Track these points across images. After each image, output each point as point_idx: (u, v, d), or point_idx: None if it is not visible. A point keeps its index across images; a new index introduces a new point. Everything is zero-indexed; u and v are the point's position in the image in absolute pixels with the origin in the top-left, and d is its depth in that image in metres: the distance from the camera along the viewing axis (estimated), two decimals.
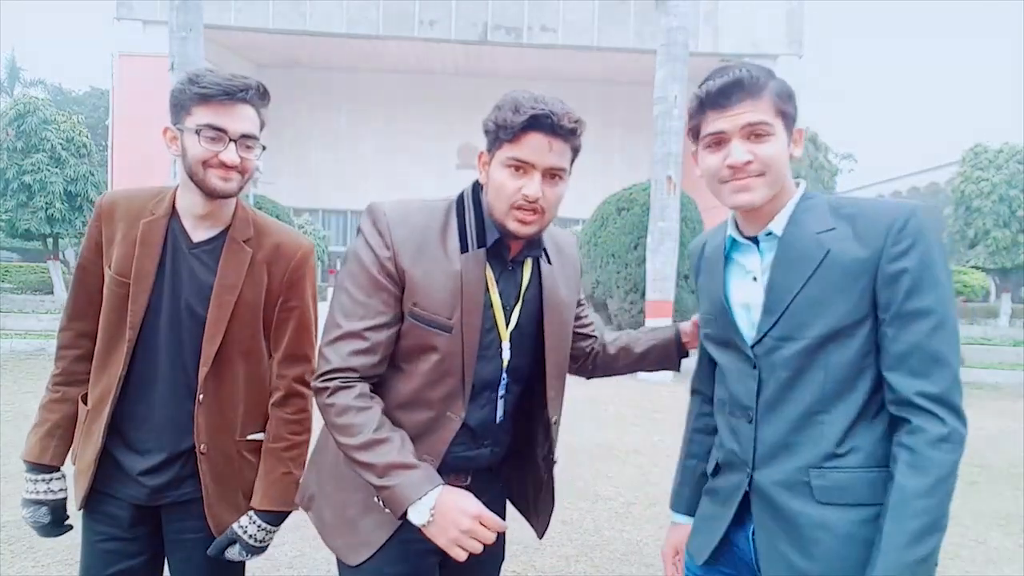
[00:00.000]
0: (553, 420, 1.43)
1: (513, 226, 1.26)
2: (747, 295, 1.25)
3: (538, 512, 1.53)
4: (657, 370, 1.66)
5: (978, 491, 4.58)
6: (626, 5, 20.67)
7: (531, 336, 1.39)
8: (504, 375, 1.36)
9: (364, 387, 1.25)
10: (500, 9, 20.62)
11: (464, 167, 24.24)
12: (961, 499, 4.48)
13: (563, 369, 1.47)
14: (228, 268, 1.49)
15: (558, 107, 1.22)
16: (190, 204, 1.49)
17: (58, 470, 1.54)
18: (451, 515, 1.15)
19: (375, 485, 1.18)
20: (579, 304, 1.58)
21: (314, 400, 1.31)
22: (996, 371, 10.66)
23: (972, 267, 18.73)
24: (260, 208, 11.81)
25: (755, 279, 1.25)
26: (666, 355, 1.64)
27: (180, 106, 1.45)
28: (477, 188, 1.35)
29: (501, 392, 1.36)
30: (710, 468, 1.39)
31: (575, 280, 1.50)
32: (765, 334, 1.20)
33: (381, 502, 1.22)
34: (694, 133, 1.25)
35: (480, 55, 22.23)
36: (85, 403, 1.53)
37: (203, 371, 1.46)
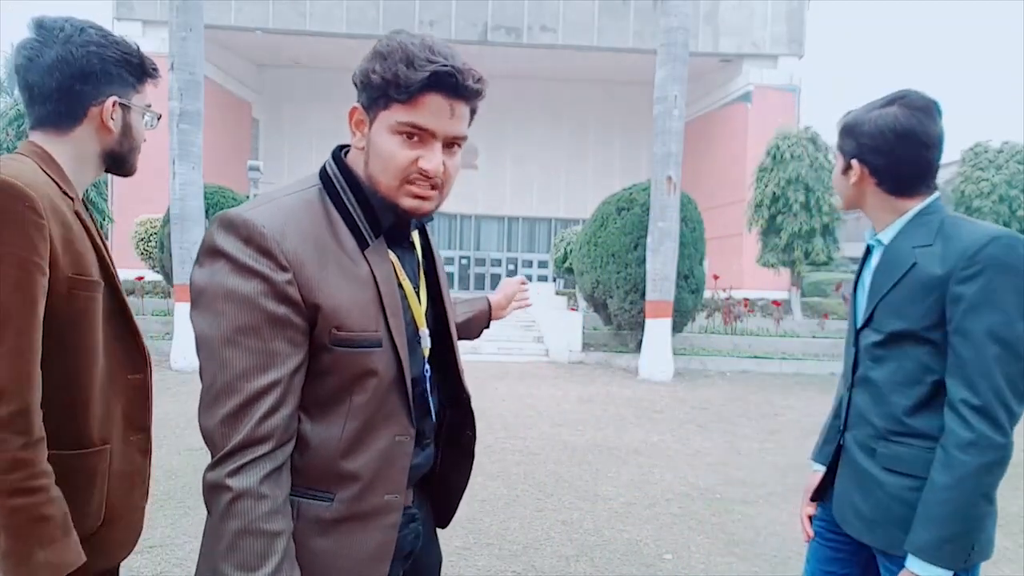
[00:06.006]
0: (470, 395, 1.27)
1: (408, 203, 1.04)
2: (867, 287, 1.51)
3: (441, 498, 1.32)
4: (464, 338, 1.55)
5: None
6: (626, 5, 20.67)
7: (435, 312, 1.22)
8: (426, 365, 1.16)
9: (278, 461, 0.98)
10: (500, 9, 20.64)
11: (465, 167, 24.21)
12: None
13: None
14: (108, 251, 1.35)
15: (459, 61, 1.00)
16: (84, 182, 1.29)
17: None
18: None
19: None
20: None
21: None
22: None
23: None
24: None
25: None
26: (477, 325, 1.62)
27: (125, 79, 1.29)
28: (341, 161, 1.10)
29: (427, 385, 1.17)
30: None
31: None
32: (865, 323, 1.47)
33: None
34: None
35: (480, 55, 22.23)
36: (69, 449, 1.17)
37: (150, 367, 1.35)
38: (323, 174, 1.09)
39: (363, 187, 1.07)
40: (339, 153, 1.11)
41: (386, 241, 1.10)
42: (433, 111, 1.00)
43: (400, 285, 1.11)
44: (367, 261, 1.05)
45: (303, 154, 25.42)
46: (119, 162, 1.32)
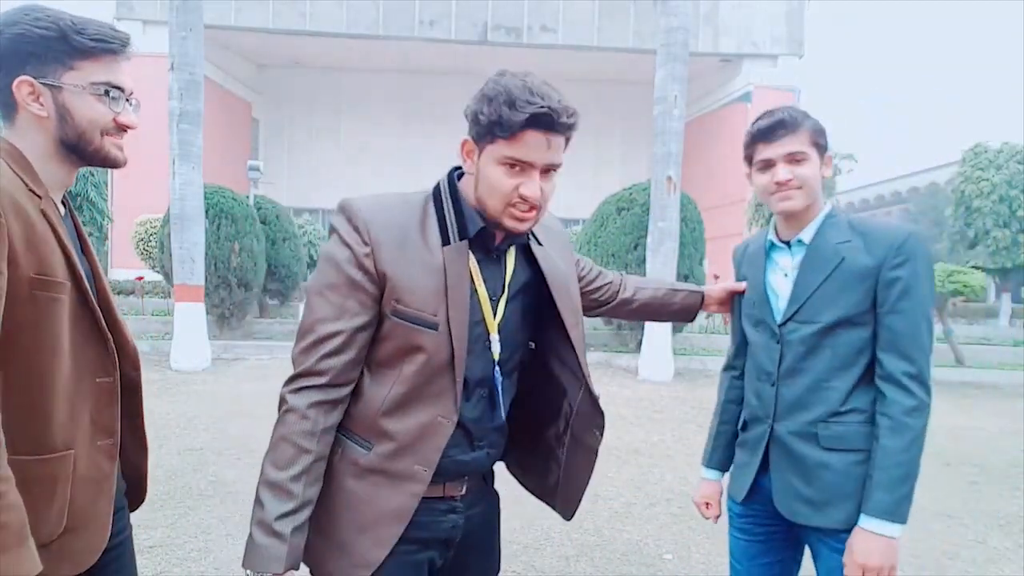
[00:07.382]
0: (598, 394, 1.39)
1: (510, 224, 1.21)
2: (778, 287, 1.61)
3: (564, 494, 1.55)
4: (669, 321, 1.73)
5: (978, 491, 4.58)
6: (626, 5, 20.67)
7: (521, 327, 1.34)
8: (496, 370, 1.28)
9: (328, 395, 1.19)
10: (500, 9, 20.63)
11: None
12: (961, 499, 4.43)
13: (583, 343, 1.42)
14: (91, 249, 1.30)
15: (555, 101, 1.13)
16: (56, 177, 1.22)
17: None
18: None
19: (255, 519, 1.17)
20: (577, 265, 1.60)
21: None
22: (996, 371, 10.65)
23: (972, 267, 18.72)
24: (260, 208, 11.78)
25: (785, 275, 1.60)
26: (686, 314, 1.83)
27: (44, 56, 1.15)
28: (454, 177, 1.29)
29: (495, 388, 1.29)
30: (740, 425, 1.73)
31: (568, 250, 1.48)
32: (789, 318, 1.55)
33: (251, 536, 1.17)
34: (748, 159, 1.64)
35: (480, 55, 22.24)
36: (29, 454, 1.13)
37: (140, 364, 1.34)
38: (436, 185, 1.29)
39: (461, 200, 1.26)
40: (453, 173, 1.30)
41: (472, 249, 1.25)
42: (532, 145, 1.15)
43: (475, 288, 1.25)
44: (443, 255, 1.21)
45: (303, 154, 25.41)
46: (76, 151, 1.21)
